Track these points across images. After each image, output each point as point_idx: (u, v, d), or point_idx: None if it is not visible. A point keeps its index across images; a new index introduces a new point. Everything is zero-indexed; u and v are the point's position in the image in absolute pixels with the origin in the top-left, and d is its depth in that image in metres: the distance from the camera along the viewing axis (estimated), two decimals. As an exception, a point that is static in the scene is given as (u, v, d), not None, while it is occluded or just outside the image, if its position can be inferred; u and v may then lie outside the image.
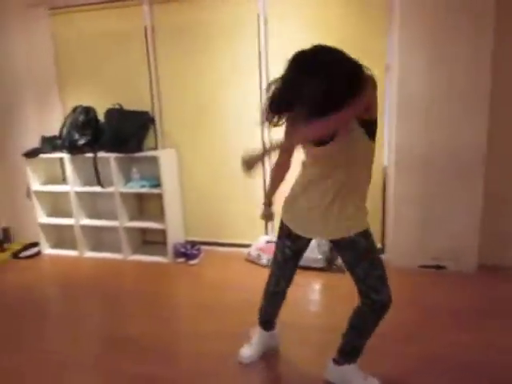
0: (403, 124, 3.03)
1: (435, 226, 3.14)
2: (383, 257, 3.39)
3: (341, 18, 3.13)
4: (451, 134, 2.96)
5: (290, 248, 1.93)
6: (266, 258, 3.39)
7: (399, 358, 2.18)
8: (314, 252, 3.20)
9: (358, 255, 1.78)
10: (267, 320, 2.22)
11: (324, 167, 1.73)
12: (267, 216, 2.14)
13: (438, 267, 3.20)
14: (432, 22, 2.85)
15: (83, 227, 3.79)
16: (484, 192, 3.02)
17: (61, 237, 4.07)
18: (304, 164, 1.84)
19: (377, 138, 1.73)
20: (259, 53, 3.34)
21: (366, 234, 1.78)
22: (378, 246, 3.43)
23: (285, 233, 1.92)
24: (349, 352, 1.94)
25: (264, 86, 3.32)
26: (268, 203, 2.12)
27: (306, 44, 1.52)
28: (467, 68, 2.85)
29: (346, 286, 1.95)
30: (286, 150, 1.86)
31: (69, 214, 3.80)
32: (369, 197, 1.83)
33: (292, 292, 2.10)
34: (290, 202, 1.90)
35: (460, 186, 3.02)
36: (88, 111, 3.59)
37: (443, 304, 2.73)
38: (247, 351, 2.22)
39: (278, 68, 1.57)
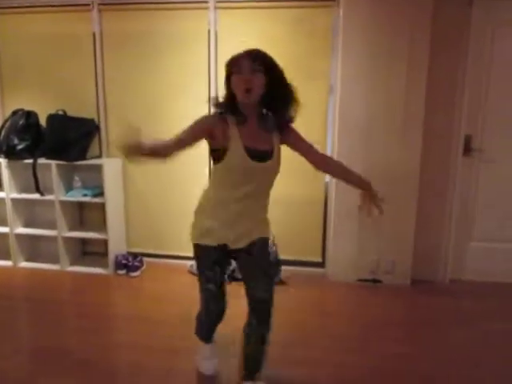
0: (343, 143, 3.16)
1: (372, 241, 3.28)
2: (323, 271, 3.49)
3: (289, 35, 3.24)
4: (387, 154, 3.13)
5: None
6: (209, 271, 3.37)
7: (337, 368, 2.23)
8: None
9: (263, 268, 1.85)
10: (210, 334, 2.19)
11: (253, 183, 1.79)
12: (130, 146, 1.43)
13: (375, 281, 3.33)
14: (372, 48, 3.02)
15: (18, 236, 3.61)
16: (417, 211, 3.20)
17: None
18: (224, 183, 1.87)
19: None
20: (208, 64, 3.37)
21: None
22: (319, 260, 3.53)
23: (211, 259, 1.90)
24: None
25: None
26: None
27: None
28: (403, 93, 3.03)
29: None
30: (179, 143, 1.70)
31: (3, 222, 3.61)
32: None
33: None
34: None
35: (395, 203, 3.17)
36: (29, 115, 3.45)
37: (378, 317, 2.84)
38: (208, 364, 2.19)
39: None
